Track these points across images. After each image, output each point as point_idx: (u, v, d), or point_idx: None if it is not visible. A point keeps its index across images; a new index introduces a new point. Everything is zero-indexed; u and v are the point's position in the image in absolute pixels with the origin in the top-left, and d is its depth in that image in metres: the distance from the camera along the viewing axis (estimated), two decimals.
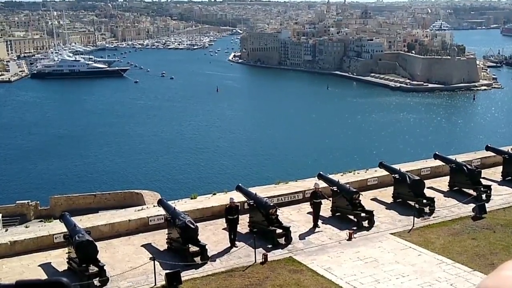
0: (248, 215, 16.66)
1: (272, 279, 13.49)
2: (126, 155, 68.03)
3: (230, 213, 15.58)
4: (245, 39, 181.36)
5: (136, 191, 30.41)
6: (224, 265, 14.34)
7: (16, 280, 4.34)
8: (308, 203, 17.54)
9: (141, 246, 15.61)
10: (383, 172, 20.57)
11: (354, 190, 17.58)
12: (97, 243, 13.84)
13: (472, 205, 18.08)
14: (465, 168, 19.90)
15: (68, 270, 14.00)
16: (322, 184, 18.03)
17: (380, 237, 16.15)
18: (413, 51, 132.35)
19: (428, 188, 19.36)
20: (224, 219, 15.98)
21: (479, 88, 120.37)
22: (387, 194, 19.59)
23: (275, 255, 14.90)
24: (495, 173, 22.09)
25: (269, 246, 15.36)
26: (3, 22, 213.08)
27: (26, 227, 17.09)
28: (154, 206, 18.05)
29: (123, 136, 78.43)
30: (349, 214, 17.25)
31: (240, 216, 15.86)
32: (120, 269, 13.91)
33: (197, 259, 14.44)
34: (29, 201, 29.48)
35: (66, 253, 14.24)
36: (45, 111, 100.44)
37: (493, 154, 23.06)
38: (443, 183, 20.83)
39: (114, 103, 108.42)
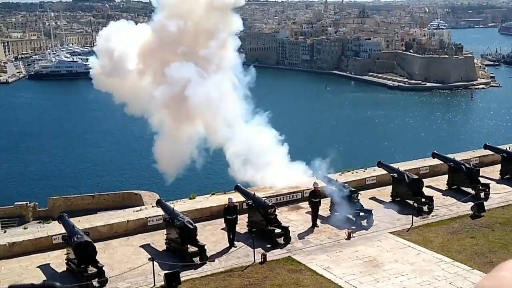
0: (246, 215, 16.66)
1: (271, 279, 13.49)
2: (125, 156, 67.89)
3: (228, 213, 15.57)
4: (242, 39, 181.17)
5: (134, 191, 30.34)
6: (223, 265, 14.34)
7: (9, 285, 4.34)
8: (307, 202, 17.55)
9: (140, 246, 15.60)
10: (381, 171, 20.58)
11: (353, 189, 17.58)
12: (95, 244, 13.83)
13: (471, 204, 18.10)
14: (463, 166, 19.91)
15: (67, 271, 13.98)
16: (321, 184, 18.02)
17: (379, 236, 16.16)
18: (411, 50, 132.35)
19: (426, 187, 19.38)
20: (223, 219, 15.97)
21: (477, 86, 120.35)
22: (385, 193, 19.60)
23: (274, 254, 14.90)
24: (494, 171, 22.12)
25: (268, 246, 15.36)
26: (0, 23, 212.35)
27: (25, 228, 17.07)
28: (152, 206, 18.04)
29: (121, 136, 78.24)
30: (348, 213, 17.23)
31: (239, 216, 15.86)
32: (119, 270, 13.90)
33: (196, 259, 14.44)
34: (28, 202, 29.36)
35: (65, 254, 14.22)
36: (42, 111, 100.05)
37: (491, 152, 23.10)
38: (441, 181, 20.85)
39: (112, 103, 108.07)
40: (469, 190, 19.58)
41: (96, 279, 13.26)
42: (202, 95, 18.92)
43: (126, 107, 20.77)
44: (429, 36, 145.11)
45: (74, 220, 15.35)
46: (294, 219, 17.51)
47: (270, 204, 16.28)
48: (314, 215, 16.99)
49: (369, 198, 19.14)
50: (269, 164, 19.62)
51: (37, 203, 29.73)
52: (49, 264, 14.48)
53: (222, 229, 16.37)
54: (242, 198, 17.26)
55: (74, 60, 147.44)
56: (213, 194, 19.30)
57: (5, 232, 16.64)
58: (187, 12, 20.31)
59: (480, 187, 19.41)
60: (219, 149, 20.63)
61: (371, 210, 17.16)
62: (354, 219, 16.94)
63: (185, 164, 20.25)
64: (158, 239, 15.82)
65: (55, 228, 15.79)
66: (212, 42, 20.19)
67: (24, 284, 12.38)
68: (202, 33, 20.36)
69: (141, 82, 19.93)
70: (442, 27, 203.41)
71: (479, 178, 19.92)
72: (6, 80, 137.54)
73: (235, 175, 19.82)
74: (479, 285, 1.71)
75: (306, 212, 17.72)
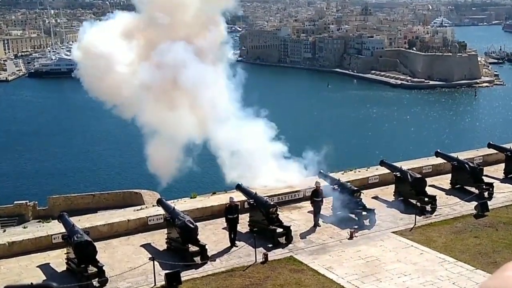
0: (248, 214, 16.53)
1: (272, 279, 13.37)
2: (125, 154, 67.85)
3: (230, 212, 15.45)
4: (244, 37, 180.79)
5: (135, 190, 30.24)
6: (224, 265, 14.23)
7: (6, 286, 4.25)
8: (309, 201, 17.41)
9: (140, 246, 15.50)
10: (384, 170, 20.44)
11: (355, 188, 17.45)
12: (96, 243, 13.74)
13: (474, 203, 17.95)
14: (467, 165, 19.75)
15: (67, 270, 13.90)
16: (323, 183, 17.89)
17: (381, 235, 16.02)
18: (414, 48, 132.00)
19: (429, 186, 19.23)
20: (224, 218, 15.85)
21: (480, 85, 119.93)
22: (388, 192, 19.46)
23: (276, 254, 14.79)
24: (497, 170, 21.95)
25: (270, 245, 15.24)
26: (0, 21, 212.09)
27: (24, 227, 16.98)
28: (153, 205, 17.94)
29: (121, 134, 78.18)
30: (351, 213, 17.10)
31: (240, 216, 15.74)
32: (119, 270, 13.80)
33: (197, 259, 14.33)
34: (27, 201, 29.27)
35: (65, 253, 14.13)
36: (42, 110, 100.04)
37: (495, 151, 22.94)
38: (445, 181, 20.70)
39: None
40: (473, 189, 19.42)
41: (96, 279, 13.17)
42: (196, 77, 18.36)
43: (119, 110, 20.31)
44: (432, 33, 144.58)
45: (74, 219, 15.25)
46: (296, 218, 17.39)
47: (272, 203, 16.15)
48: (316, 214, 16.85)
49: (372, 197, 19.00)
50: (260, 162, 19.34)
51: (36, 202, 29.65)
52: (49, 263, 14.39)
53: (223, 228, 16.25)
54: (243, 197, 17.13)
55: None
56: (214, 193, 19.18)
57: (4, 231, 16.56)
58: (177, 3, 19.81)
59: (484, 186, 19.24)
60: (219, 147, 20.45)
61: (373, 210, 17.01)
62: (356, 218, 16.80)
63: (180, 162, 20.02)
64: (159, 239, 15.71)
65: (55, 228, 15.70)
66: (206, 33, 19.72)
67: (22, 284, 12.29)
68: (196, 24, 19.84)
69: (132, 79, 19.41)
70: (446, 24, 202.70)
71: (483, 177, 19.75)
72: (6, 78, 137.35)
73: (225, 172, 19.63)
74: (483, 286, 1.70)
75: (308, 212, 17.59)
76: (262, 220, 15.89)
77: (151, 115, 19.26)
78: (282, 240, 15.50)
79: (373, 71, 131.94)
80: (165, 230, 15.42)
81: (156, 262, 13.38)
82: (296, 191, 18.94)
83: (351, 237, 15.78)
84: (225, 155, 19.38)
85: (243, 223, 16.23)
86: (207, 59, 19.65)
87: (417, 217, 16.92)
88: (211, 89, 19.02)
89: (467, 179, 19.69)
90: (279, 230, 15.61)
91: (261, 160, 19.43)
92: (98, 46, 19.96)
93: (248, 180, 18.68)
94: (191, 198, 18.74)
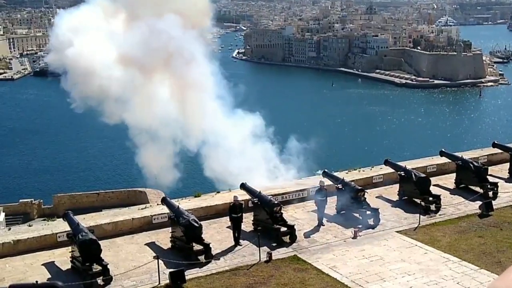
0: (252, 213, 16.54)
1: (276, 278, 13.38)
2: (130, 153, 68.06)
3: (234, 211, 15.45)
4: (249, 36, 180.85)
5: (139, 189, 30.35)
6: (228, 263, 14.24)
7: (10, 284, 4.27)
8: (313, 200, 17.42)
9: (145, 244, 15.53)
10: (388, 170, 20.39)
11: (359, 187, 17.43)
12: (100, 242, 13.75)
13: (479, 203, 17.88)
14: (471, 165, 19.68)
15: (72, 269, 13.92)
16: (327, 182, 17.89)
17: (385, 235, 16.00)
18: (419, 47, 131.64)
19: (434, 185, 19.17)
20: (228, 217, 15.88)
21: (485, 84, 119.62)
22: (392, 191, 19.42)
23: (280, 253, 14.78)
24: (502, 170, 21.87)
25: (274, 244, 15.25)
26: (6, 20, 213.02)
27: (29, 226, 17.05)
28: (157, 204, 17.98)
29: (125, 132, 78.39)
30: (355, 212, 17.09)
31: (244, 214, 15.75)
32: (123, 268, 13.83)
33: (201, 258, 14.34)
34: (33, 199, 29.48)
35: (70, 252, 14.16)
36: (47, 108, 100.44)
37: (500, 151, 22.85)
38: (449, 180, 20.64)
39: None
40: (477, 189, 19.34)
41: (101, 277, 13.19)
42: (188, 51, 17.94)
43: (108, 112, 20.05)
44: (437, 33, 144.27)
45: (79, 218, 15.28)
46: (300, 217, 17.39)
47: (276, 202, 16.16)
48: (320, 213, 16.85)
49: (376, 197, 18.97)
50: (247, 160, 19.24)
51: (42, 201, 29.85)
52: (53, 262, 14.43)
53: (227, 227, 16.27)
54: (247, 196, 17.14)
55: None
56: (218, 192, 19.20)
57: (9, 229, 16.65)
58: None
59: (489, 186, 19.16)
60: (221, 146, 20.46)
61: (377, 209, 16.99)
62: (360, 217, 16.79)
63: (173, 155, 19.99)
64: (163, 237, 15.74)
65: (60, 226, 15.76)
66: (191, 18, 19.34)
67: (26, 283, 12.34)
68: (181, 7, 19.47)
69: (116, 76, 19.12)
70: (450, 23, 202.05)
71: (488, 176, 19.67)
72: (11, 76, 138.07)
73: (207, 165, 19.56)
74: (491, 287, 1.72)
75: (312, 211, 17.59)
76: (266, 219, 15.89)
77: (138, 103, 18.92)
78: (286, 239, 15.50)
79: (377, 70, 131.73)
80: (170, 229, 15.43)
81: (160, 261, 13.39)
82: (301, 190, 18.95)
83: (355, 237, 15.76)
84: (210, 149, 19.32)
85: (247, 222, 16.24)
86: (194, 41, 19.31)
87: (421, 216, 16.87)
88: (200, 71, 18.68)
89: (471, 179, 19.62)
90: (283, 229, 15.61)
91: (249, 157, 19.39)
92: (76, 49, 19.45)
93: (233, 178, 18.63)
94: (195, 197, 18.77)
